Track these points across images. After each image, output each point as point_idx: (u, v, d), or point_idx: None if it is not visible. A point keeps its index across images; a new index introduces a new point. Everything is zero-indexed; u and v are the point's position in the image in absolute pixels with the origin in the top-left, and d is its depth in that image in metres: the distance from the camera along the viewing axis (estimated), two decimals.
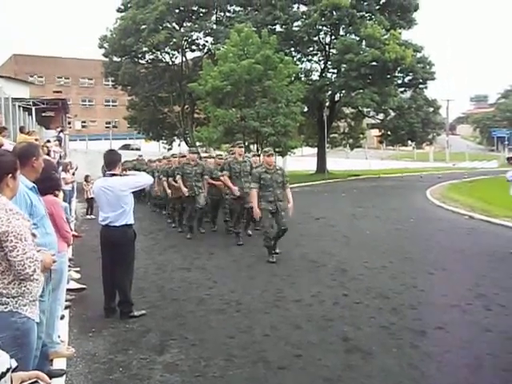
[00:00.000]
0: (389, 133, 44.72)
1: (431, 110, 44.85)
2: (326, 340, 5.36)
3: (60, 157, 15.33)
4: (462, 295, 6.93)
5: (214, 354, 5.05)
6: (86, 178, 16.68)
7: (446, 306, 6.50)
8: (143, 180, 6.63)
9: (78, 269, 8.28)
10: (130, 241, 6.25)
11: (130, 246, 6.25)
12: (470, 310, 6.28)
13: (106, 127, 63.02)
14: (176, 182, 12.42)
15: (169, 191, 13.35)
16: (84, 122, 66.10)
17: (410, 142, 51.37)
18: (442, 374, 4.59)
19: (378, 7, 36.29)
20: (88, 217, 15.68)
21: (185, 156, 13.41)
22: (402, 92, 40.79)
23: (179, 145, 43.00)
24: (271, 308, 6.49)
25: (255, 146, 28.63)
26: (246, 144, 27.77)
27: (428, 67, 37.71)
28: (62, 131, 23.20)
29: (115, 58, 40.68)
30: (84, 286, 7.32)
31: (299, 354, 4.99)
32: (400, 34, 34.56)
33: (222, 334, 5.57)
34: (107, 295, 6.32)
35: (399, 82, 38.08)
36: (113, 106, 68.02)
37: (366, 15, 36.18)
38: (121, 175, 6.31)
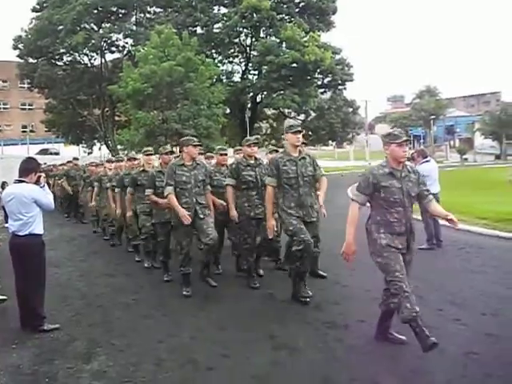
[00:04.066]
0: (310, 133, 45.67)
1: (350, 110, 46.24)
2: (253, 338, 5.44)
3: None
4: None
5: (142, 358, 5.02)
6: (3, 185, 16.07)
7: (368, 300, 6.72)
8: (47, 201, 6.00)
9: None
10: (35, 251, 5.96)
11: (35, 256, 5.95)
12: None
13: (23, 131, 60.86)
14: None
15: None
16: None
17: (330, 141, 52.78)
18: (364, 364, 4.77)
19: (297, 10, 37.05)
20: (6, 225, 15.01)
21: (173, 152, 8.97)
22: (321, 93, 41.84)
23: (100, 148, 42.25)
24: (198, 311, 6.51)
25: (177, 148, 28.51)
26: (168, 146, 27.65)
27: (347, 69, 38.88)
28: None
29: (31, 60, 39.45)
30: (5, 297, 7.06)
31: (227, 354, 5.05)
32: (319, 36, 35.43)
33: (150, 339, 5.54)
34: (20, 306, 6.09)
35: (319, 83, 38.99)
36: (29, 109, 65.61)
37: (286, 18, 36.86)
38: (27, 183, 6.04)
